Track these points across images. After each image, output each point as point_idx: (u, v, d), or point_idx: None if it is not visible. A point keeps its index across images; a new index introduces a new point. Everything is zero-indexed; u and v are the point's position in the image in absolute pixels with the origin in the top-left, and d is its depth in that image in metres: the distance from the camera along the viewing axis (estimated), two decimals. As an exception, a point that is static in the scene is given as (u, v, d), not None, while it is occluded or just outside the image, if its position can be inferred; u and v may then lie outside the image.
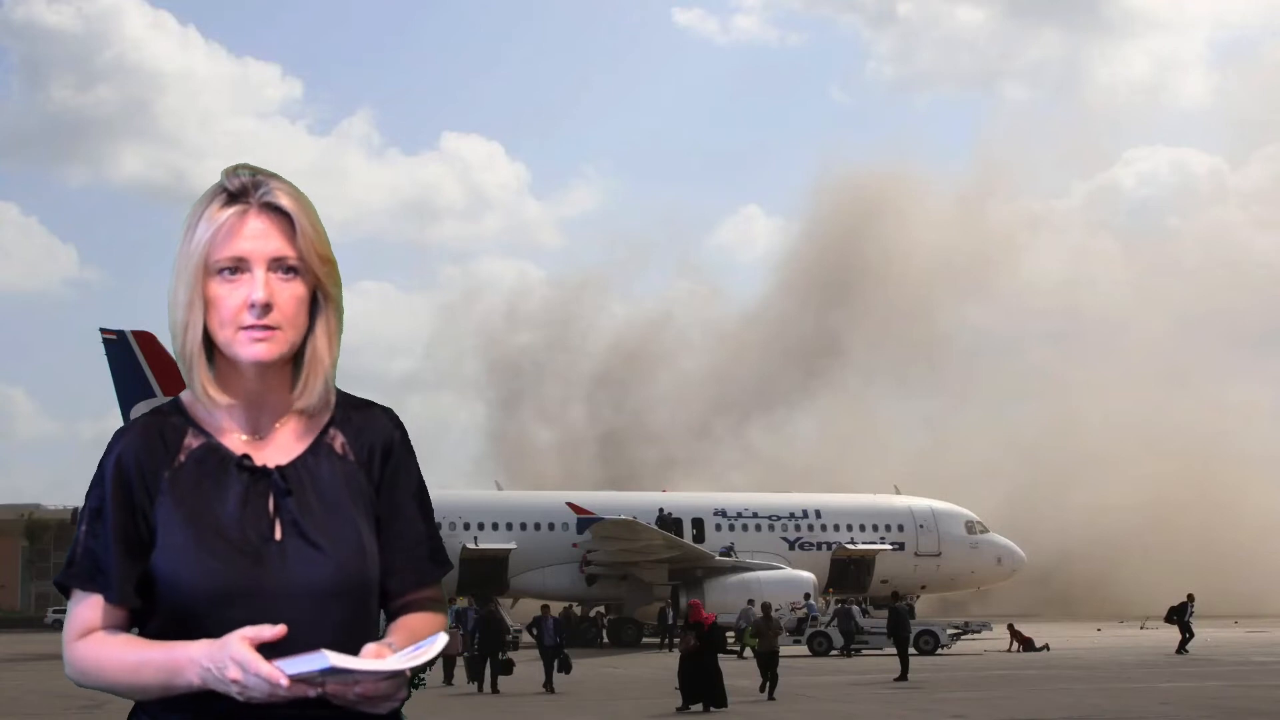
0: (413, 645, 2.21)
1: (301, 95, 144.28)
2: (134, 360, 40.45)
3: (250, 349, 2.29)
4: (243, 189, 2.33)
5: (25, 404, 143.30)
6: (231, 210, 2.31)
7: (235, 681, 2.11)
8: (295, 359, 2.36)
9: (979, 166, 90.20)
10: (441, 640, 2.20)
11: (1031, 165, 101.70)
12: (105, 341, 41.02)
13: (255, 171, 2.35)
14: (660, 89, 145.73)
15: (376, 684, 2.15)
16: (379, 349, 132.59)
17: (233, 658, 2.11)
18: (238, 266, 2.29)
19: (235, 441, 2.37)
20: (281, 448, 2.38)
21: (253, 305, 2.27)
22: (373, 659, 2.15)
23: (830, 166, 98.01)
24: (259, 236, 2.30)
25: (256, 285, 2.28)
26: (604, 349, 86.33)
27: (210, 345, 2.33)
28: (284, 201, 2.33)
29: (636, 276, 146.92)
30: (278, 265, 2.31)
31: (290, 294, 2.31)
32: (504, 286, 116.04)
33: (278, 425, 2.39)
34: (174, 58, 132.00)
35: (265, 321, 2.28)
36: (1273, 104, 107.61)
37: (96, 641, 2.29)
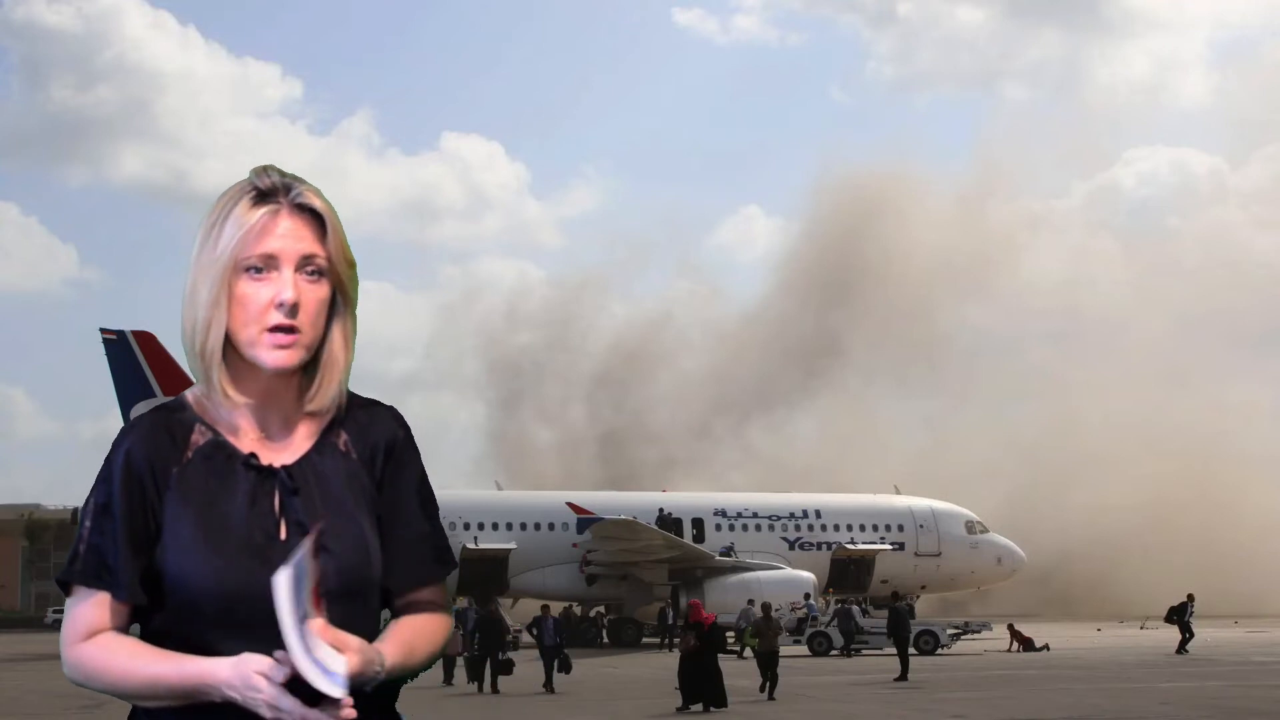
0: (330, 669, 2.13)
1: (301, 95, 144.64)
2: (134, 360, 40.45)
3: (272, 355, 2.28)
4: (273, 188, 2.33)
5: (25, 404, 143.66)
6: (263, 209, 2.31)
7: (270, 718, 2.13)
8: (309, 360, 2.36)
9: (979, 166, 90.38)
10: (335, 688, 2.11)
11: (1031, 165, 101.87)
12: (105, 341, 41.02)
13: (283, 174, 2.37)
14: (660, 89, 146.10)
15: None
16: (379, 349, 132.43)
17: (267, 702, 2.11)
18: (266, 265, 2.29)
19: (242, 439, 2.37)
20: (288, 446, 2.38)
21: (280, 304, 2.27)
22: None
23: (830, 166, 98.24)
24: (290, 236, 2.30)
25: (286, 285, 2.28)
26: (604, 349, 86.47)
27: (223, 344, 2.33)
28: (316, 203, 2.35)
29: (636, 276, 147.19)
30: (305, 266, 2.31)
31: (315, 296, 2.31)
32: (504, 286, 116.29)
33: (286, 424, 2.39)
34: (174, 58, 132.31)
35: (291, 322, 2.28)
36: (1273, 104, 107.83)
37: (103, 646, 2.27)
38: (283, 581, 2.11)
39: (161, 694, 2.23)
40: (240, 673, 2.13)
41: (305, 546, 2.15)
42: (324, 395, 2.36)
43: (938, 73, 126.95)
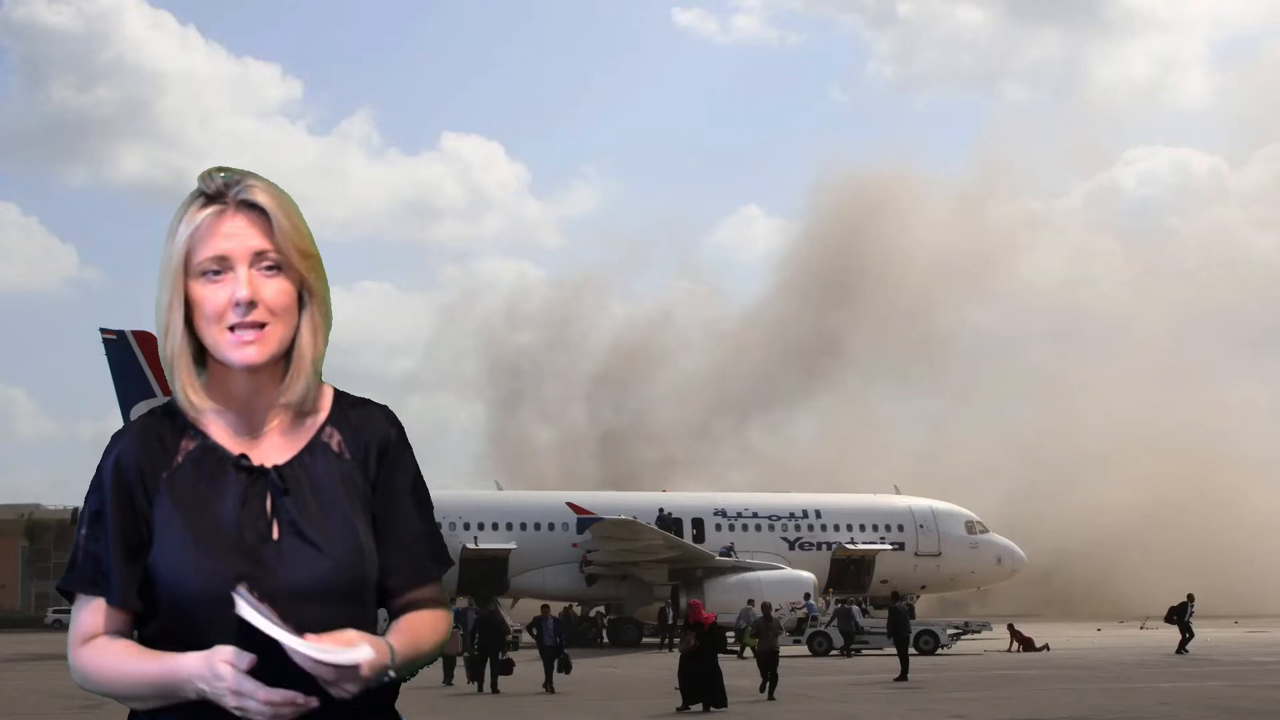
0: (337, 646, 2.14)
1: (301, 95, 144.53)
2: (134, 360, 40.42)
3: (240, 353, 2.28)
4: (219, 190, 2.33)
5: (25, 404, 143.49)
6: (209, 211, 2.31)
7: (234, 706, 2.14)
8: (285, 356, 2.36)
9: (979, 166, 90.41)
10: (358, 654, 2.13)
11: (1031, 165, 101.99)
12: (105, 341, 40.99)
13: (231, 172, 2.35)
14: (660, 89, 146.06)
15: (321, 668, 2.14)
16: (379, 349, 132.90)
17: (230, 689, 2.12)
18: (220, 267, 2.29)
19: (232, 441, 2.37)
20: (276, 447, 2.38)
21: (237, 304, 2.27)
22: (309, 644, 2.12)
23: (830, 166, 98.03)
24: (237, 234, 2.30)
25: (240, 283, 2.28)
26: (604, 349, 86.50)
27: (201, 349, 2.33)
28: (260, 198, 2.33)
29: (636, 276, 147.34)
30: (259, 262, 2.30)
31: (274, 289, 2.31)
32: (504, 286, 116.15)
33: (270, 424, 2.39)
34: (174, 58, 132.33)
35: (252, 319, 2.28)
36: (1273, 104, 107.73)
37: (96, 648, 2.30)
38: (251, 612, 2.11)
39: (144, 693, 2.25)
40: (209, 663, 2.14)
41: (244, 595, 2.13)
42: (294, 388, 2.36)
43: (938, 73, 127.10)
